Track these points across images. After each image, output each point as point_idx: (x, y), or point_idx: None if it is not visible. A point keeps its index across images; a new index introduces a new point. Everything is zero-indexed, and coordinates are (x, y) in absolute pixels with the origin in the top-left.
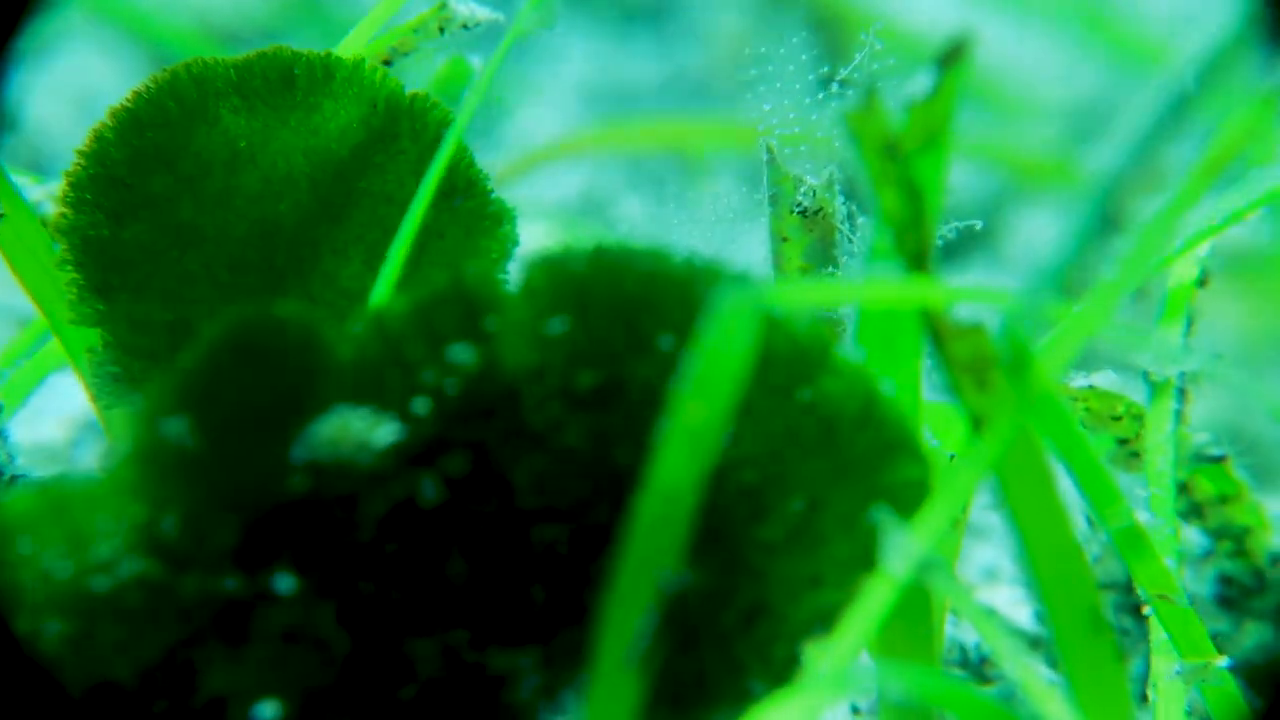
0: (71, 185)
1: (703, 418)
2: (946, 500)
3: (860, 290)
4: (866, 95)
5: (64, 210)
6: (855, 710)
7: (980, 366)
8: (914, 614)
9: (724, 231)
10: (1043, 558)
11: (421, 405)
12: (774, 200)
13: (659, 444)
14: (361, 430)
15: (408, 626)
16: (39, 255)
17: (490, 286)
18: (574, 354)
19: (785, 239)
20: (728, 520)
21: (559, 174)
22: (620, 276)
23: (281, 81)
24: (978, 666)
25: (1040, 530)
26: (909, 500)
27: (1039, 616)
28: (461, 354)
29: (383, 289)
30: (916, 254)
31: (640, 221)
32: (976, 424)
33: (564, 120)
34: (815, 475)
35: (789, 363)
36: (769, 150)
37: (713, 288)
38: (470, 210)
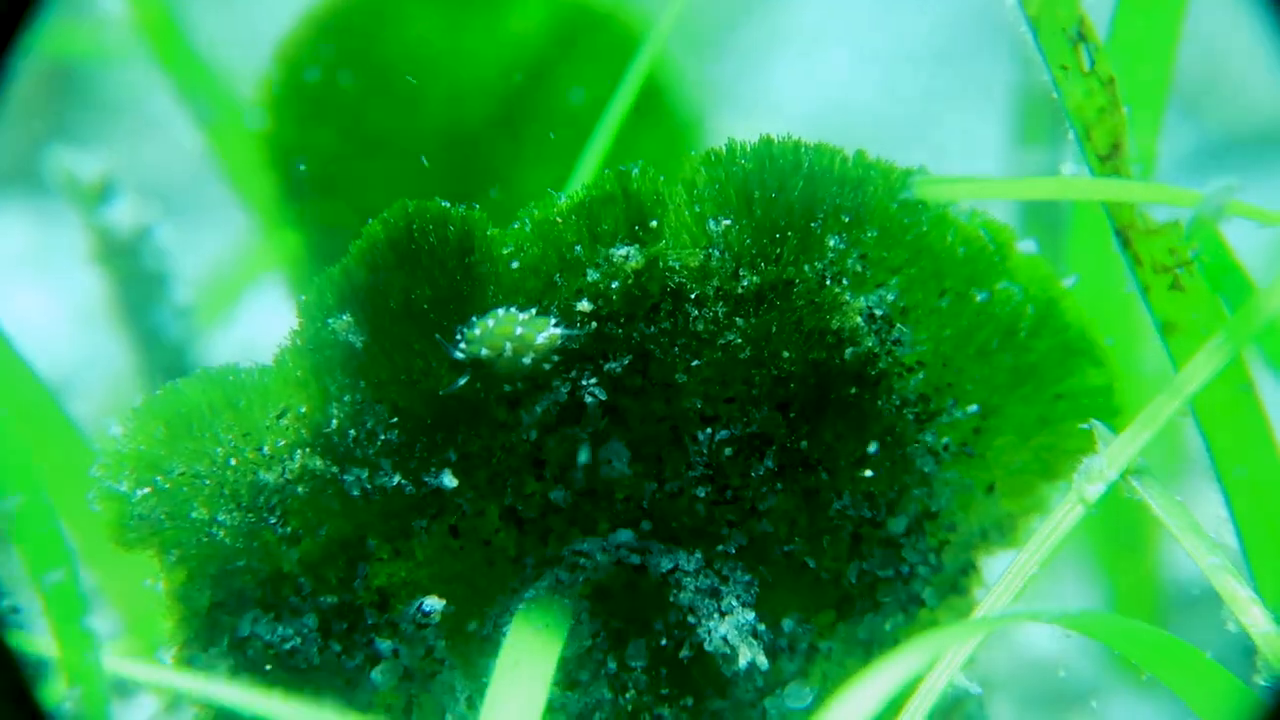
0: (267, 90)
1: None
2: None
3: (1039, 187)
4: None
5: (262, 115)
6: None
7: (1173, 267)
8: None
9: None
10: (1238, 470)
11: (584, 304)
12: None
13: None
14: (523, 329)
15: (571, 526)
16: (247, 158)
17: (654, 185)
18: (738, 254)
19: (1065, 66)
20: (895, 426)
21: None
22: (786, 176)
23: None
24: None
25: (1239, 444)
26: (1092, 408)
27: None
28: (624, 253)
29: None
30: (1105, 152)
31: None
32: (1166, 329)
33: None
34: (990, 381)
35: (964, 264)
36: None
37: (884, 187)
38: (664, 117)
